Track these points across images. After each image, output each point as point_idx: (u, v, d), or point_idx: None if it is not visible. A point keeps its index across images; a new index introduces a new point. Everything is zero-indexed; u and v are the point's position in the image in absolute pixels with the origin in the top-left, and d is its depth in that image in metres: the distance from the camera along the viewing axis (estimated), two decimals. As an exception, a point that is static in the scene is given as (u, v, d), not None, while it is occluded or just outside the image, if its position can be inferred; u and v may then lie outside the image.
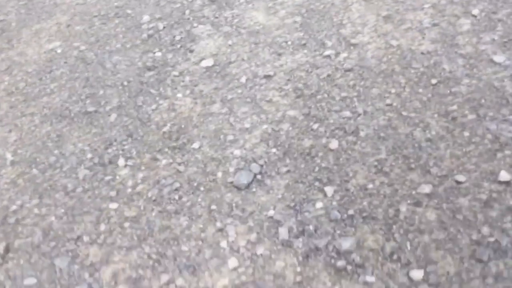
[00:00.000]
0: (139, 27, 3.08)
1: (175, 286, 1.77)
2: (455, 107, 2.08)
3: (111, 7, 3.36)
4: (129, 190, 2.13)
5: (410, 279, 1.61)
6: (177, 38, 2.90)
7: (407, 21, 2.56)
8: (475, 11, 2.55)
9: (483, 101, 2.07)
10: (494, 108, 2.03)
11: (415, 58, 2.34)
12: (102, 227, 2.02)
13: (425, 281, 1.59)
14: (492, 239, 1.63)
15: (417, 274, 1.60)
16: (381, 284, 1.62)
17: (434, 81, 2.21)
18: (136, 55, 2.87)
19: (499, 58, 2.23)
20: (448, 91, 2.15)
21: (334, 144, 2.06)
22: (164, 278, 1.79)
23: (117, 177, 2.20)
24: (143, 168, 2.21)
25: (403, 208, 1.79)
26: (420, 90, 2.19)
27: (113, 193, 2.13)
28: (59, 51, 3.09)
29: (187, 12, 3.10)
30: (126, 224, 2.00)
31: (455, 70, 2.23)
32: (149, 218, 2.00)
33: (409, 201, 1.81)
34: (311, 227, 1.81)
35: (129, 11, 3.26)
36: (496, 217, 1.69)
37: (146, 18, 3.14)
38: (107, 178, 2.20)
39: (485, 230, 1.66)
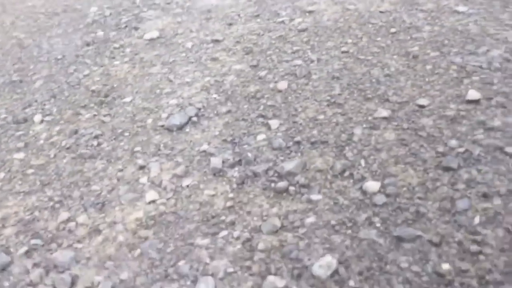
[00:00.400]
0: (85, 17, 3.03)
1: (75, 223, 1.48)
2: (416, 48, 1.98)
3: (59, 5, 3.33)
4: (41, 141, 1.90)
5: (363, 192, 1.37)
6: (123, 20, 2.84)
7: (365, -9, 2.55)
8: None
9: (446, 41, 1.98)
10: (458, 45, 1.93)
11: (373, 16, 2.29)
12: (1, 175, 1.76)
13: (381, 192, 1.35)
14: (461, 150, 1.43)
15: (372, 186, 1.37)
16: (329, 201, 1.37)
17: (393, 30, 2.13)
18: (76, 36, 2.78)
19: (462, 8, 2.18)
20: (409, 37, 2.06)
21: (283, 85, 1.91)
22: (64, 216, 1.51)
23: (31, 131, 1.98)
24: (61, 122, 1.99)
25: (357, 131, 1.59)
26: (379, 39, 2.10)
27: (21, 145, 1.89)
28: (-5, 41, 3.00)
29: (137, 1, 3.08)
30: (30, 171, 1.75)
31: (415, 21, 2.17)
32: (59, 165, 1.76)
33: (364, 126, 1.62)
34: (249, 155, 1.59)
35: (78, 6, 3.23)
36: (465, 131, 1.50)
37: (93, 9, 3.10)
38: (19, 133, 1.98)
39: (453, 142, 1.47)
